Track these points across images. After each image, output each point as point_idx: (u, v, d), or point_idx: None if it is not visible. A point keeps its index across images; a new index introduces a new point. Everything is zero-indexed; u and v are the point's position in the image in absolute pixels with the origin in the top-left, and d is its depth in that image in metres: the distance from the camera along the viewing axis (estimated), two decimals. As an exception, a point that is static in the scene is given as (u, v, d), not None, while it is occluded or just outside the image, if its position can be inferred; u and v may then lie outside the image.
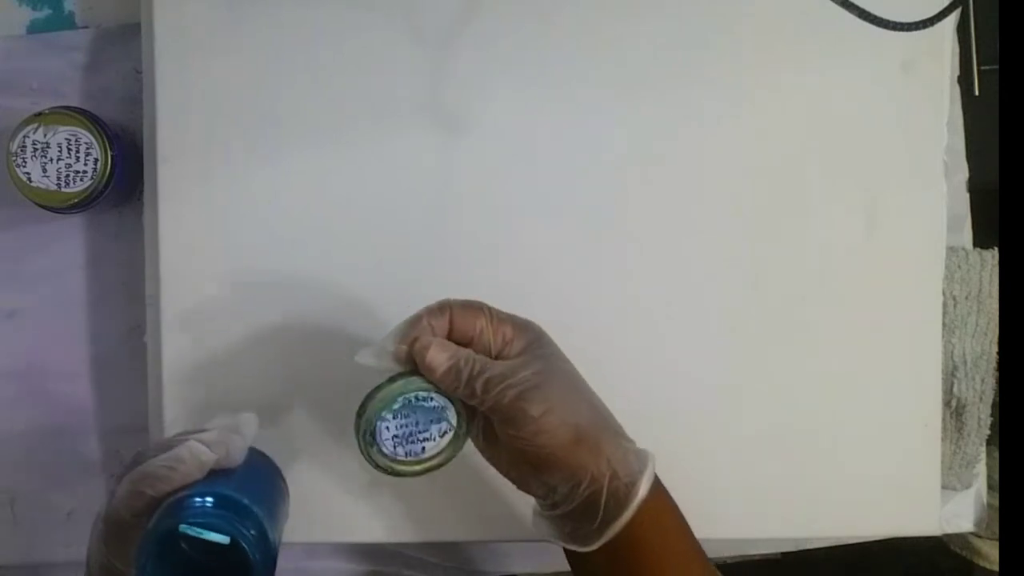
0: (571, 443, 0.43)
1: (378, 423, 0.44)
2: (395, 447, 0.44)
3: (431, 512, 0.57)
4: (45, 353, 0.60)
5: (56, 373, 0.60)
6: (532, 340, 0.45)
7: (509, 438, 0.44)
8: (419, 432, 0.45)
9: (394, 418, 0.44)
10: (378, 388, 0.44)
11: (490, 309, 0.46)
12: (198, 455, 0.42)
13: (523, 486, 0.46)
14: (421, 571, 0.63)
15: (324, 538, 0.58)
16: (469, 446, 0.47)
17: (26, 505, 0.60)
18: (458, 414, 0.45)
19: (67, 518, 0.60)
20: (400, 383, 0.44)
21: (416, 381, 0.44)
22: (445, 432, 0.45)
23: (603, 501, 0.43)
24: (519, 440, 0.43)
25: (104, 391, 0.60)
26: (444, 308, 0.45)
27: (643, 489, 0.43)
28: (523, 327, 0.46)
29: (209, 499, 0.41)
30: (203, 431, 0.45)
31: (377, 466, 0.45)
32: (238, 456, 0.44)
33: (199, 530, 0.39)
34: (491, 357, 0.45)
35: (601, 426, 0.45)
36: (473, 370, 0.43)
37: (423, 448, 0.45)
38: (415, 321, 0.44)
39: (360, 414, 0.44)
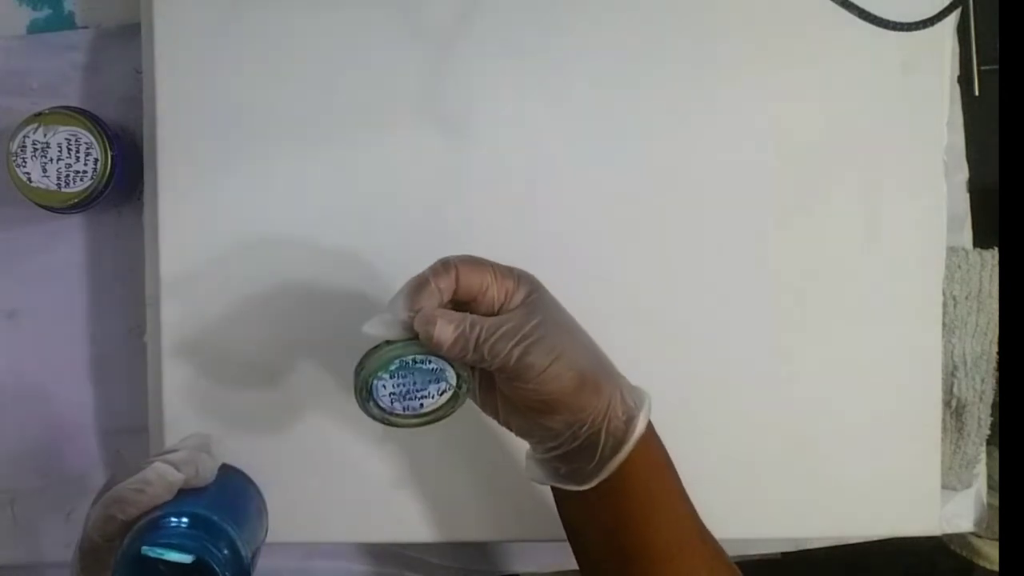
0: (576, 387, 0.44)
1: (374, 382, 0.44)
2: (392, 403, 0.45)
3: (432, 512, 0.57)
4: (45, 353, 0.60)
5: (56, 373, 0.60)
6: (530, 290, 0.45)
7: (515, 389, 0.44)
8: (417, 391, 0.45)
9: (391, 378, 0.44)
10: (376, 348, 0.44)
11: (492, 264, 0.45)
12: (165, 476, 0.42)
13: (523, 433, 0.47)
14: (422, 572, 0.63)
15: (324, 538, 0.58)
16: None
17: (26, 505, 0.60)
18: (458, 375, 0.45)
19: (67, 518, 0.60)
20: (398, 346, 0.44)
21: (414, 345, 0.44)
22: (444, 391, 0.45)
23: (603, 439, 0.44)
24: (526, 391, 0.44)
25: (104, 391, 0.60)
26: (449, 267, 0.44)
27: (641, 425, 0.44)
28: (521, 278, 0.46)
29: (177, 519, 0.41)
30: (173, 451, 0.44)
31: (373, 417, 0.45)
32: (208, 474, 0.44)
33: (160, 551, 0.39)
34: (494, 312, 0.45)
35: (601, 367, 0.46)
36: (480, 337, 0.43)
37: (421, 404, 0.45)
38: (421, 284, 0.44)
39: (358, 372, 0.44)
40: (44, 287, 0.60)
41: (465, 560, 0.63)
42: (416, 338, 0.44)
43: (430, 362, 0.44)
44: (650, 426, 0.46)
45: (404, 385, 0.45)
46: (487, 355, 0.43)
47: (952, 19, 0.59)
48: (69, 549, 0.59)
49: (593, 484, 0.44)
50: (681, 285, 0.57)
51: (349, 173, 0.56)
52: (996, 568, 0.63)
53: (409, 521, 0.57)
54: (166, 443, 0.56)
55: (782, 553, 0.64)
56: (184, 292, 0.56)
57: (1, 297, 0.60)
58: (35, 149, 0.53)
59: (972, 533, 0.62)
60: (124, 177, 0.56)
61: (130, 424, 0.60)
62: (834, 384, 0.57)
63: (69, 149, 0.53)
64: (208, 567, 0.40)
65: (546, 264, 0.56)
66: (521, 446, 0.48)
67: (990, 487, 0.62)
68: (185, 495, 0.43)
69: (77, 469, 0.60)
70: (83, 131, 0.54)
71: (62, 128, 0.53)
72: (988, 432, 0.61)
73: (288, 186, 0.56)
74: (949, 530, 0.61)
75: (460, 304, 0.45)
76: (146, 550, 0.39)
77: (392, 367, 0.44)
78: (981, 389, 0.60)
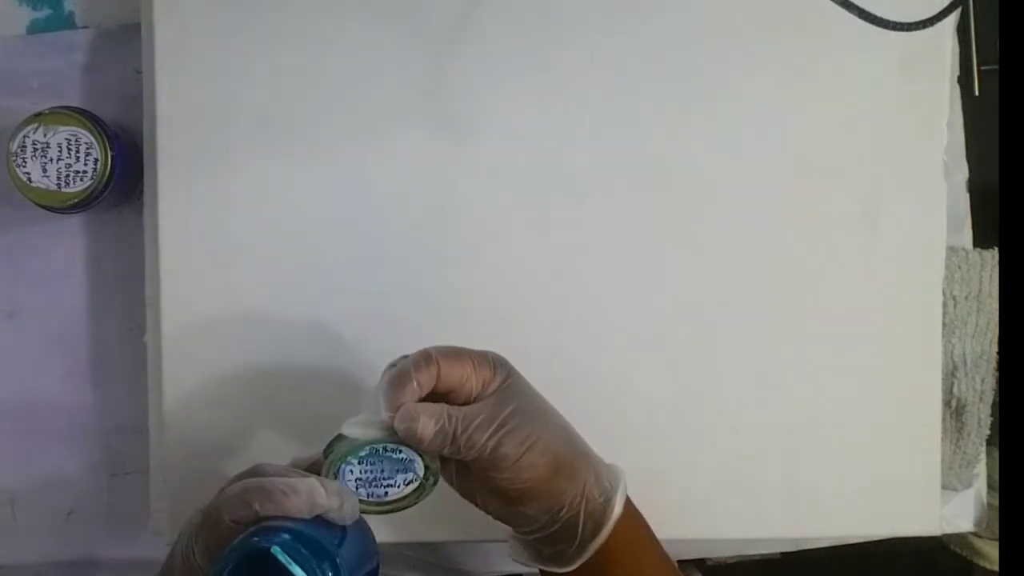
0: (551, 474, 0.44)
1: (342, 466, 0.44)
2: (357, 488, 0.45)
3: (432, 512, 0.57)
4: (45, 353, 0.60)
5: (56, 373, 0.60)
6: (504, 378, 0.46)
7: (490, 479, 0.45)
8: (384, 479, 0.45)
9: (359, 463, 0.44)
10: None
11: (471, 354, 0.45)
12: (313, 495, 0.41)
13: (502, 518, 0.47)
14: (422, 572, 0.63)
15: (324, 538, 0.58)
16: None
17: (26, 505, 0.60)
18: (426, 467, 0.45)
19: (67, 518, 0.60)
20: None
21: (384, 434, 0.44)
22: (411, 481, 0.45)
23: (581, 521, 0.45)
24: (501, 480, 0.44)
25: (104, 391, 0.60)
26: (430, 361, 0.44)
27: (618, 506, 0.45)
28: (497, 364, 0.46)
29: (303, 539, 0.40)
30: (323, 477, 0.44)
31: None
32: (348, 517, 0.43)
33: (290, 560, 0.38)
34: (470, 400, 0.45)
35: (575, 450, 0.46)
36: (457, 429, 0.43)
37: (386, 492, 0.45)
38: (403, 380, 0.44)
39: (326, 454, 0.44)
40: (44, 287, 0.60)
41: (465, 560, 0.63)
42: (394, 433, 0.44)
43: (400, 451, 0.44)
44: (628, 502, 0.46)
45: (372, 472, 0.45)
46: (463, 448, 0.43)
47: (952, 19, 0.59)
48: (69, 549, 0.60)
49: (576, 566, 0.45)
50: (681, 284, 0.57)
51: (349, 172, 0.56)
52: (996, 568, 0.63)
53: (409, 521, 0.57)
54: (166, 443, 0.56)
55: (782, 553, 0.64)
56: (184, 292, 0.56)
57: (1, 297, 0.60)
58: (35, 149, 0.53)
59: (972, 533, 0.62)
60: (124, 177, 0.56)
61: (130, 424, 0.60)
62: (834, 384, 0.57)
63: (69, 149, 0.53)
64: None
65: (547, 262, 0.56)
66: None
67: (990, 487, 0.62)
68: (320, 522, 0.42)
69: (77, 469, 0.60)
70: (83, 131, 0.54)
71: (62, 128, 0.53)
72: (988, 432, 0.61)
73: (288, 186, 0.56)
74: (949, 530, 0.61)
75: (436, 394, 0.45)
76: (277, 551, 0.38)
77: (362, 453, 0.44)
78: (981, 389, 0.60)
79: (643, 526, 0.48)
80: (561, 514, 0.45)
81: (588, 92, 0.56)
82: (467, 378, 0.45)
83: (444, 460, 0.46)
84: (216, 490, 0.43)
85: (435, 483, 0.46)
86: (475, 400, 0.45)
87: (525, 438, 0.44)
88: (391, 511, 0.46)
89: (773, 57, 0.57)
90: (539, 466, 0.44)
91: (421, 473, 0.45)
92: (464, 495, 0.48)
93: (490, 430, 0.43)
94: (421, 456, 0.45)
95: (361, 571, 0.44)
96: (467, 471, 0.46)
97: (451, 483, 0.48)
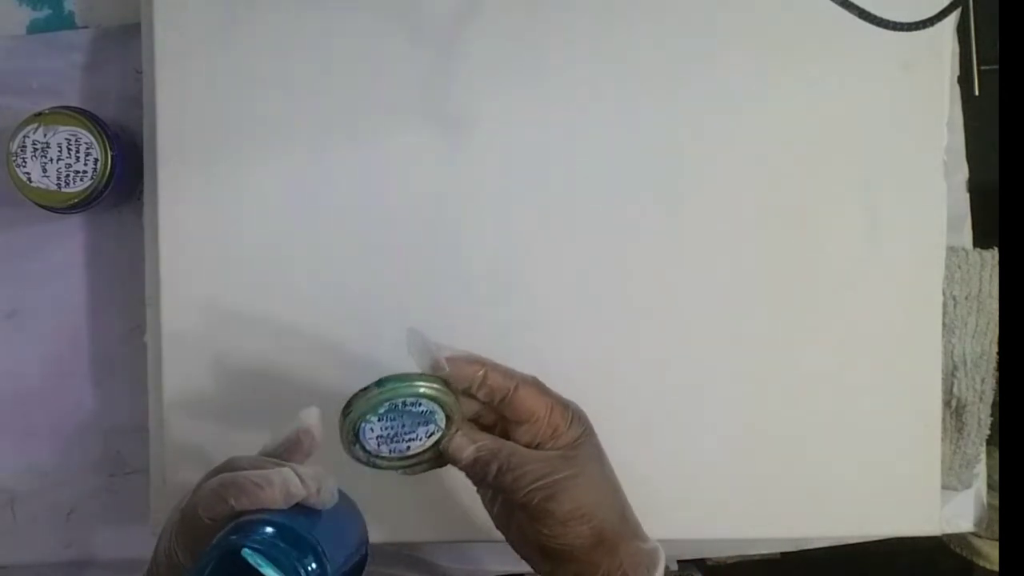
0: (592, 545, 0.44)
1: (362, 425, 0.44)
2: (379, 445, 0.45)
3: (432, 512, 0.57)
4: (45, 353, 0.60)
5: (56, 373, 0.60)
6: (577, 436, 0.46)
7: (531, 529, 0.44)
8: (405, 433, 0.45)
9: (379, 420, 0.44)
10: (365, 390, 0.44)
11: (554, 398, 0.46)
12: (287, 484, 0.40)
13: (529, 563, 0.47)
14: (422, 572, 0.63)
15: (324, 538, 0.58)
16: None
17: (26, 505, 0.60)
18: (447, 417, 0.45)
19: (67, 518, 0.60)
20: (388, 388, 0.43)
21: (403, 387, 0.43)
22: (432, 434, 0.45)
23: None
24: (540, 535, 0.44)
25: (104, 391, 0.60)
26: (511, 377, 0.45)
27: None
28: (575, 419, 0.46)
29: (282, 531, 0.39)
30: (296, 464, 0.43)
31: (358, 460, 0.45)
32: (328, 501, 0.42)
33: (260, 559, 0.37)
34: (534, 443, 0.45)
35: (621, 528, 0.46)
36: (504, 465, 0.43)
37: (408, 447, 0.45)
38: (474, 360, 0.45)
39: (345, 414, 0.44)
40: (44, 287, 0.60)
41: (466, 560, 0.63)
42: (405, 376, 0.44)
43: (420, 404, 0.44)
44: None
45: (392, 428, 0.44)
46: (507, 484, 0.44)
47: (952, 19, 0.59)
48: (69, 549, 0.60)
49: None
50: (681, 284, 0.57)
51: (349, 172, 0.56)
52: (996, 568, 0.63)
53: (409, 521, 0.57)
54: (165, 443, 0.56)
55: (782, 553, 0.64)
56: (184, 292, 0.56)
57: (1, 297, 0.60)
58: (35, 149, 0.53)
59: (972, 533, 0.62)
60: (124, 177, 0.56)
61: (130, 424, 0.60)
62: (834, 384, 0.57)
63: (69, 149, 0.53)
64: None
65: (548, 262, 0.56)
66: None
67: (990, 487, 0.62)
68: (298, 510, 0.41)
69: (77, 469, 0.60)
70: (83, 131, 0.54)
71: (62, 128, 0.53)
72: (988, 432, 0.61)
73: (288, 185, 0.56)
74: (949, 530, 0.61)
75: (507, 422, 0.46)
76: (247, 552, 0.37)
77: (381, 409, 0.44)
78: (981, 389, 0.60)
79: None
80: None
81: (588, 92, 0.56)
82: (539, 419, 0.45)
83: (462, 424, 0.46)
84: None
85: (456, 432, 0.45)
86: (539, 445, 0.45)
87: (573, 501, 0.44)
88: (414, 464, 0.46)
89: (773, 57, 0.57)
90: (581, 534, 0.44)
91: (443, 424, 0.45)
92: (498, 526, 0.48)
93: (542, 482, 0.43)
94: (442, 407, 0.44)
95: (348, 559, 0.44)
96: (511, 507, 0.46)
97: (489, 511, 0.47)
